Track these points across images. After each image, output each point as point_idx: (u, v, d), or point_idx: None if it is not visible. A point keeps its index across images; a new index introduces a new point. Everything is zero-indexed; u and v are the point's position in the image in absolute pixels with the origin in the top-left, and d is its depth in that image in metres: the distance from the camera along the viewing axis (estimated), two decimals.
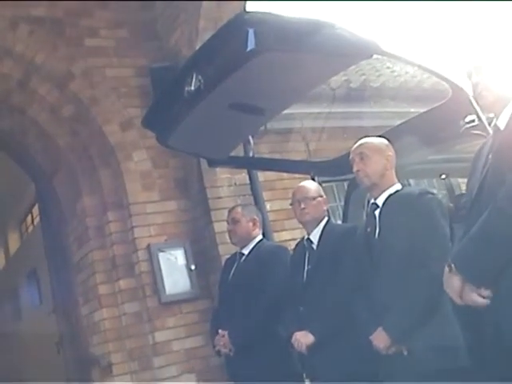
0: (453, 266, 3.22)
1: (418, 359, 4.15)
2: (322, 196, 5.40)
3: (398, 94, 8.15)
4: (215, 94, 5.01)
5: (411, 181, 6.98)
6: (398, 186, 4.63)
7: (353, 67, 7.47)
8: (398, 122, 5.71)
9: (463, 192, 6.44)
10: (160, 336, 6.87)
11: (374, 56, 4.79)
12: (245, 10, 4.63)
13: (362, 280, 4.58)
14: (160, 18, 7.45)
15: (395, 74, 8.56)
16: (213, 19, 6.64)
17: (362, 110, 7.95)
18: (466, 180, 6.15)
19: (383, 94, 8.17)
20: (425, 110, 5.44)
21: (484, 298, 3.11)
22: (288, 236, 6.95)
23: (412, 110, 6.29)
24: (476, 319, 3.30)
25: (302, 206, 5.37)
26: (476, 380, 3.50)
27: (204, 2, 6.72)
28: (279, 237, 7.00)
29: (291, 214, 5.64)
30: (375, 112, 7.90)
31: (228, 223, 6.16)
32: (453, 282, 3.23)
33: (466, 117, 4.83)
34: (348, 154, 4.89)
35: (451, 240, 4.24)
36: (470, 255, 3.18)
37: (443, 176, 6.67)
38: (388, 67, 8.56)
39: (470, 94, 4.27)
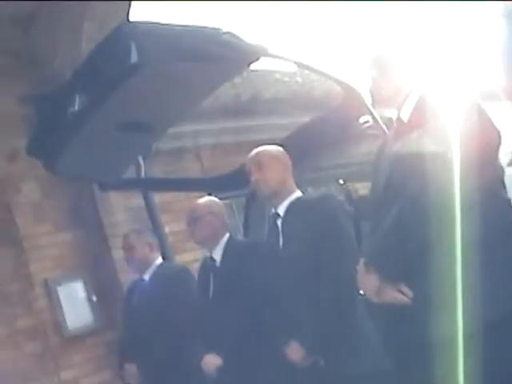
0: (369, 265, 3.14)
1: (336, 367, 4.09)
2: (212, 213, 5.23)
3: (290, 105, 8.10)
4: (101, 113, 4.80)
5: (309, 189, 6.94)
6: (298, 194, 4.55)
7: (242, 80, 7.39)
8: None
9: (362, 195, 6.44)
10: (66, 374, 6.67)
11: (263, 68, 4.73)
12: (128, 20, 4.47)
13: (270, 294, 4.47)
14: (41, 43, 7.19)
15: (285, 84, 8.51)
16: (97, 40, 6.47)
17: (254, 123, 7.87)
18: (362, 184, 6.18)
19: (275, 105, 8.12)
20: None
21: (403, 294, 3.08)
22: (190, 257, 6.85)
23: (306, 119, 6.21)
24: (391, 319, 3.23)
25: (191, 227, 5.28)
26: (398, 382, 3.43)
27: (85, 23, 6.56)
28: (181, 259, 6.91)
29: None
30: (268, 125, 7.83)
31: (124, 250, 6.01)
32: (370, 282, 3.18)
33: (360, 118, 4.79)
34: (242, 167, 4.81)
35: (357, 239, 4.19)
36: (385, 252, 3.14)
37: (341, 181, 6.62)
38: (277, 78, 8.49)
39: (365, 91, 4.22)
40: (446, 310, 2.98)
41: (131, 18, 6.51)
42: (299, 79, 8.41)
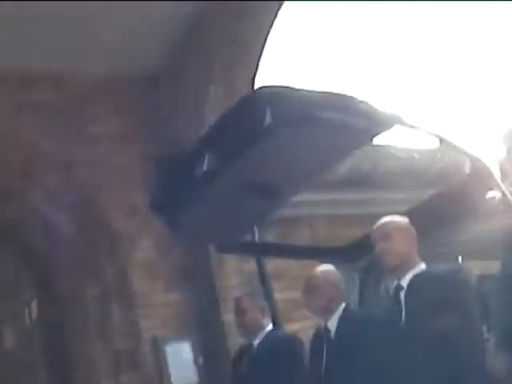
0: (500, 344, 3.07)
1: None
2: (329, 282, 5.17)
3: (407, 179, 8.03)
4: (228, 174, 4.85)
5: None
6: (422, 266, 4.45)
7: (360, 153, 7.36)
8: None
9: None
10: None
11: (381, 142, 4.70)
12: (253, 86, 4.53)
13: (386, 368, 4.34)
14: (166, 104, 7.37)
15: (402, 159, 8.46)
16: (221, 106, 6.57)
17: (370, 196, 7.83)
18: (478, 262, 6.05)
19: (391, 179, 8.06)
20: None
21: None
22: (298, 327, 6.74)
23: (424, 194, 6.15)
24: None
25: (307, 296, 5.21)
26: None
27: (211, 86, 6.69)
28: (289, 327, 6.75)
29: (302, 304, 5.46)
30: (384, 198, 7.77)
31: (235, 314, 5.99)
32: (500, 361, 3.07)
33: (487, 193, 4.69)
34: (360, 239, 4.78)
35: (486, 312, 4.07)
36: None
37: (460, 258, 6.49)
38: (392, 153, 8.44)
39: (493, 163, 4.16)
40: None
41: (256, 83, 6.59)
42: (416, 155, 8.36)
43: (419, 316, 4.20)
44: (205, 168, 4.82)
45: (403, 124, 4.42)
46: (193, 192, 5.18)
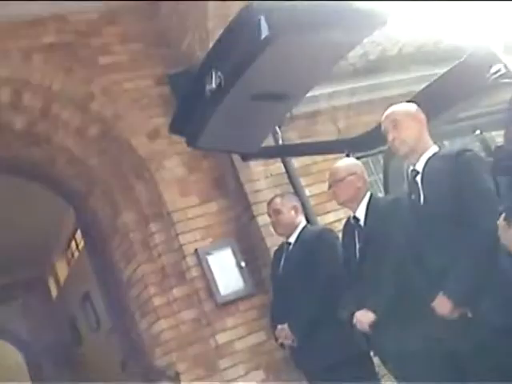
0: (510, 219, 3.16)
1: (484, 320, 4.06)
2: (353, 174, 5.32)
3: (417, 59, 7.99)
4: (237, 88, 4.98)
5: (445, 142, 6.90)
6: (434, 149, 4.56)
7: (368, 40, 7.35)
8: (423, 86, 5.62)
9: (500, 144, 6.34)
10: (222, 338, 6.86)
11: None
12: None
13: (415, 249, 4.51)
14: (169, 25, 7.35)
15: (411, 40, 8.37)
16: (221, 16, 6.57)
17: (384, 80, 7.81)
18: (500, 132, 6.10)
19: (402, 61, 8.02)
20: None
21: None
22: (332, 218, 6.90)
23: (435, 71, 6.18)
24: None
25: (333, 189, 5.37)
26: None
27: (210, 2, 6.66)
28: (324, 220, 6.93)
29: (331, 196, 5.61)
30: (398, 80, 7.77)
31: (270, 216, 6.17)
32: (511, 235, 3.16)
33: (491, 67, 4.74)
34: (378, 125, 4.86)
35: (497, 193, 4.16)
36: None
37: (477, 132, 6.55)
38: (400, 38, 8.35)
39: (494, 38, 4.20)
40: None
41: None
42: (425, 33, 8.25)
43: (434, 197, 4.32)
44: (213, 85, 4.97)
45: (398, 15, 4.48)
46: (207, 108, 5.34)
